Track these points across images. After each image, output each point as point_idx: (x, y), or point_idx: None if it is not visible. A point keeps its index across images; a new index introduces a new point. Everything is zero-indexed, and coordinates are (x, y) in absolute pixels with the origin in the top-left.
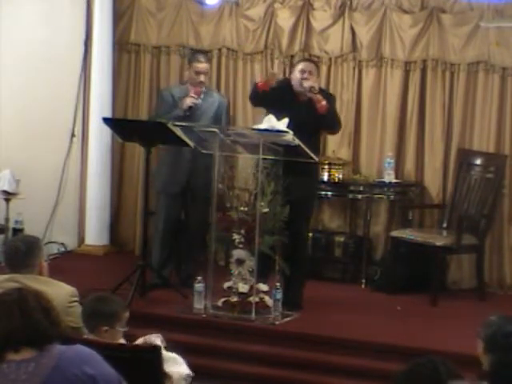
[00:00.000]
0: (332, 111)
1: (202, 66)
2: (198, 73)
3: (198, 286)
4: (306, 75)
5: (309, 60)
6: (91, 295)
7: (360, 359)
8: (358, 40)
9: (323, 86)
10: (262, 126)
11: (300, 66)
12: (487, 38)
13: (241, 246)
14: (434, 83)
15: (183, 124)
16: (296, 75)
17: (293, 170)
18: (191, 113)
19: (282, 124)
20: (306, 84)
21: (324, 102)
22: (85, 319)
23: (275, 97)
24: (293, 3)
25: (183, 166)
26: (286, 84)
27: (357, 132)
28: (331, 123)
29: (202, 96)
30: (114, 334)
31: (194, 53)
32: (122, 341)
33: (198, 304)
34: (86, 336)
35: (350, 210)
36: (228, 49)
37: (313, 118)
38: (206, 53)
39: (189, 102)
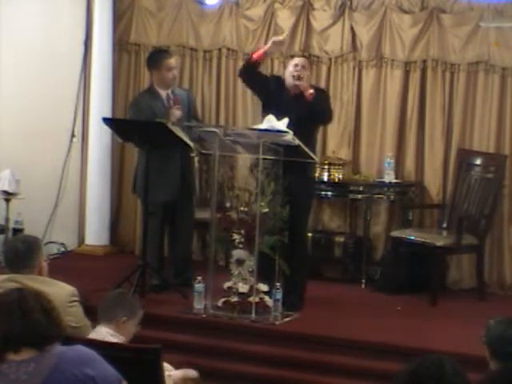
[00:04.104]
0: (320, 100)
1: (173, 60)
2: (170, 69)
3: (198, 286)
4: (298, 68)
5: (302, 55)
6: (111, 291)
7: (360, 359)
8: (358, 40)
9: (323, 86)
10: (262, 126)
11: (294, 61)
12: (487, 38)
13: (241, 246)
14: (434, 83)
15: (183, 124)
16: (289, 69)
17: (290, 169)
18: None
19: (282, 124)
20: (294, 73)
21: (311, 90)
22: (104, 310)
23: (267, 88)
24: (293, 3)
25: (174, 173)
26: (278, 80)
27: (357, 132)
28: (320, 111)
29: (171, 96)
30: (130, 327)
31: (157, 52)
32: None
33: (198, 304)
34: (100, 327)
35: (350, 210)
36: (228, 49)
37: (305, 112)
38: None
39: (178, 114)
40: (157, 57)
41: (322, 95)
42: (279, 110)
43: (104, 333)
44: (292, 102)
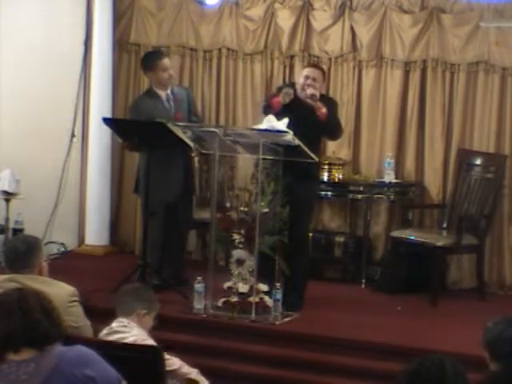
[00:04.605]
0: (332, 118)
1: (167, 60)
2: (165, 69)
3: (198, 286)
4: (309, 81)
5: (315, 66)
6: (126, 285)
7: (360, 359)
8: (358, 40)
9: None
10: (262, 126)
11: (304, 72)
12: (487, 37)
13: (241, 246)
14: (434, 83)
15: (182, 124)
16: (300, 80)
17: (293, 170)
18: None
19: (282, 124)
20: (308, 91)
21: (324, 110)
22: (122, 304)
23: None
24: (293, 3)
25: (177, 174)
26: (290, 87)
27: (357, 132)
28: (331, 130)
29: (171, 97)
30: (148, 320)
31: (150, 54)
32: (152, 342)
33: (198, 304)
34: (120, 319)
35: (350, 210)
36: (228, 49)
37: (314, 121)
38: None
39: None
40: (150, 59)
41: (331, 107)
42: (290, 116)
43: (126, 323)
44: (304, 111)
